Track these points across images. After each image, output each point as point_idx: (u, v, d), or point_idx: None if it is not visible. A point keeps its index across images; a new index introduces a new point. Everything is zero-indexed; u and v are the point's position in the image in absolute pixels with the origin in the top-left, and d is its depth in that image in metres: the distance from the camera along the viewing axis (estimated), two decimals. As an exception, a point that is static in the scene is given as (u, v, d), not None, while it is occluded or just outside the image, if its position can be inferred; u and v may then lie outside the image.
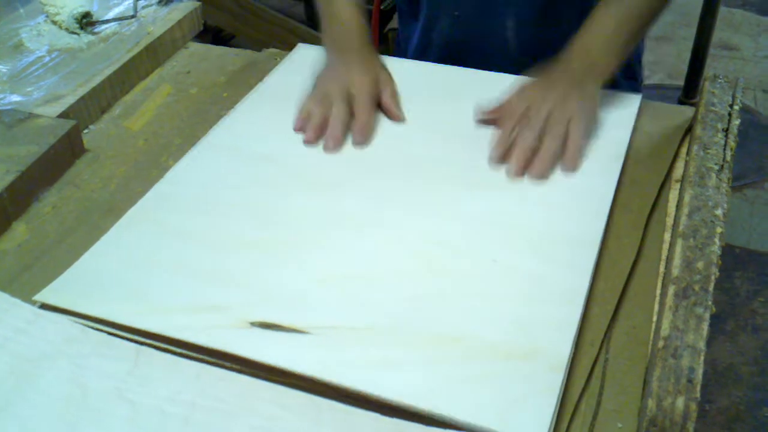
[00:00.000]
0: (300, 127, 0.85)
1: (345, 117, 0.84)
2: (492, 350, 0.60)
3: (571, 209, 0.74)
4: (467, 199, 0.76)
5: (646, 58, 1.12)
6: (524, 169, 0.78)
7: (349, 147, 0.84)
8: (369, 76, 0.88)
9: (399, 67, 0.94)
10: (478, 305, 0.64)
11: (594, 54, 0.84)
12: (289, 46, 1.04)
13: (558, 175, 0.78)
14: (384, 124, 0.87)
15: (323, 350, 0.60)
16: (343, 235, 0.72)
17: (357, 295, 0.65)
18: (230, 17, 1.52)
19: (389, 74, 0.91)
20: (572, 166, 0.78)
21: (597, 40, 0.85)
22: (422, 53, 1.06)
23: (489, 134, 0.83)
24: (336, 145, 0.83)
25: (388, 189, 0.77)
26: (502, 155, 0.79)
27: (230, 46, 1.14)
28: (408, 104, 0.90)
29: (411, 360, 0.59)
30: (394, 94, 0.89)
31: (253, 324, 0.62)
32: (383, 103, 0.88)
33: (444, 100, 0.91)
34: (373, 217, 0.74)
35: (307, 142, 0.84)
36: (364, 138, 0.84)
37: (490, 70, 0.95)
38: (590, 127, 0.82)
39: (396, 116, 0.87)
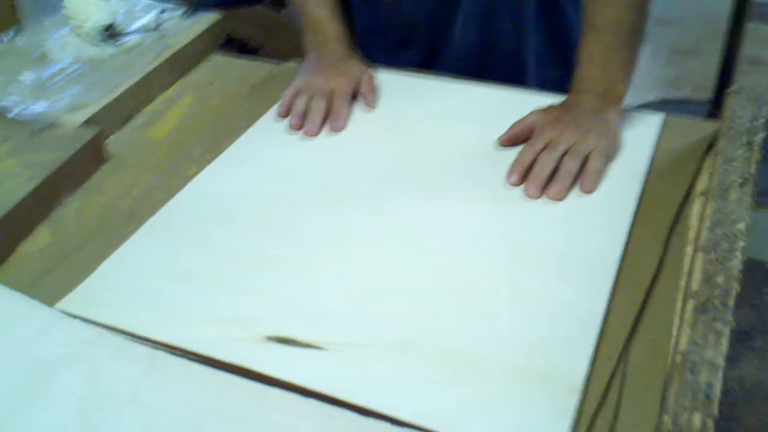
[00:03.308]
0: (283, 114, 0.92)
1: (323, 108, 0.91)
2: (507, 371, 0.59)
3: (590, 228, 0.74)
4: (484, 217, 0.76)
5: (671, 72, 1.12)
6: (541, 191, 0.78)
7: (369, 164, 0.84)
8: (345, 75, 0.95)
9: (408, 83, 0.96)
10: (494, 324, 0.63)
11: (602, 83, 0.85)
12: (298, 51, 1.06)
13: (577, 194, 0.78)
14: (402, 140, 0.87)
15: (339, 367, 0.59)
16: (360, 251, 0.72)
17: (373, 311, 0.65)
18: (255, 30, 1.53)
19: (365, 69, 0.97)
20: (590, 189, 0.78)
21: (600, 70, 0.85)
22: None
23: (507, 153, 0.84)
24: (314, 133, 0.89)
25: (406, 205, 0.77)
26: (521, 178, 0.79)
27: (255, 57, 1.14)
28: (422, 121, 0.90)
29: (426, 379, 0.59)
30: (371, 85, 0.95)
31: (269, 338, 0.62)
32: (360, 92, 0.94)
33: (457, 117, 0.91)
34: (391, 234, 0.74)
35: (293, 127, 0.90)
36: (339, 125, 0.90)
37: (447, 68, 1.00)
38: (611, 156, 0.82)
39: (370, 102, 0.94)
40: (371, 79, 0.96)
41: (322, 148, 0.87)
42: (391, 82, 0.98)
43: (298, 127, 0.90)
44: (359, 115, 0.93)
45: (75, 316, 0.61)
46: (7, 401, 0.50)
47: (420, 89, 0.97)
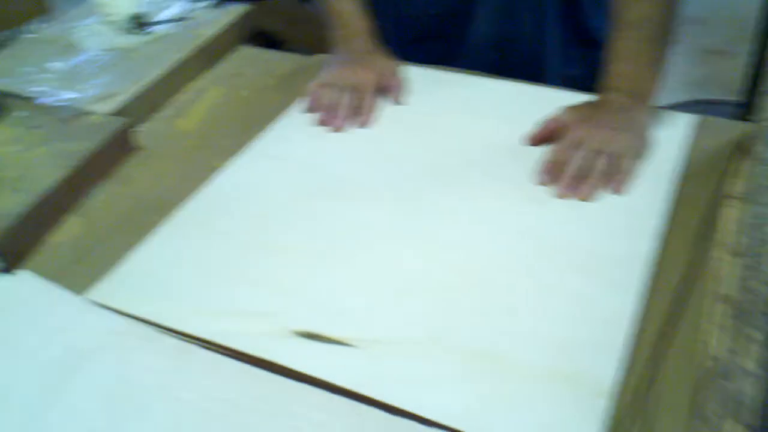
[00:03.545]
0: (311, 109, 0.92)
1: (350, 103, 0.91)
2: (534, 370, 0.59)
3: (619, 228, 0.73)
4: (510, 214, 0.75)
5: (701, 72, 1.11)
6: (571, 190, 0.77)
7: (394, 158, 0.83)
8: (371, 70, 0.94)
9: (431, 77, 0.96)
10: (520, 323, 0.63)
11: (632, 81, 0.84)
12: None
13: (606, 193, 0.77)
14: (426, 134, 0.87)
15: (366, 364, 0.59)
16: (387, 247, 0.71)
17: (399, 307, 0.65)
18: (282, 22, 1.53)
19: (391, 63, 0.97)
20: (620, 189, 0.77)
21: (630, 68, 0.84)
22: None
23: (531, 149, 0.83)
24: (340, 127, 0.89)
25: (431, 201, 0.77)
26: (550, 177, 0.79)
27: (282, 50, 1.14)
28: (446, 115, 0.90)
29: (451, 377, 0.58)
30: (398, 79, 0.95)
31: (296, 333, 0.62)
32: (388, 87, 0.94)
33: (480, 112, 0.91)
34: (417, 229, 0.73)
35: (320, 121, 0.90)
36: (366, 120, 0.90)
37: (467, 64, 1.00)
38: (642, 156, 0.81)
39: (398, 97, 0.94)
40: (398, 73, 0.96)
41: (348, 142, 0.87)
42: (414, 75, 0.97)
43: (326, 121, 0.89)
44: (384, 109, 0.93)
45: (104, 307, 0.61)
46: (38, 390, 0.50)
47: (443, 83, 0.97)
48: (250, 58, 1.08)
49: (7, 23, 1.05)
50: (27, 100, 0.90)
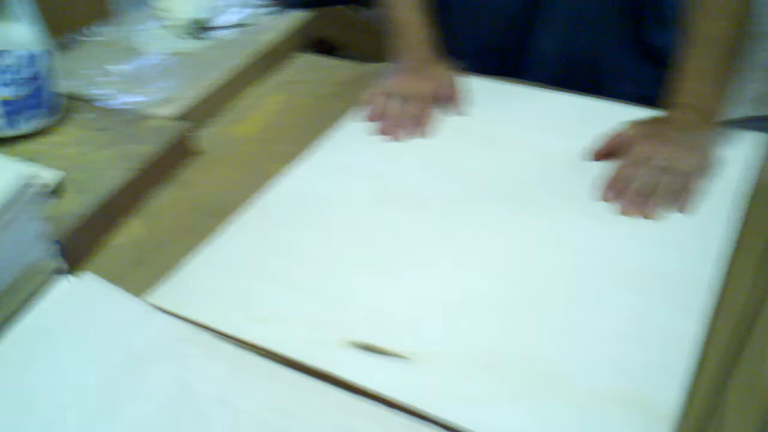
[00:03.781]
0: (371, 117, 0.91)
1: (409, 112, 0.90)
2: (592, 392, 0.57)
3: (683, 248, 0.71)
4: (571, 230, 0.74)
5: (759, 88, 1.09)
6: (635, 208, 0.76)
7: (454, 170, 0.83)
8: (431, 80, 0.94)
9: (492, 89, 0.95)
10: (579, 342, 0.62)
11: (700, 98, 0.82)
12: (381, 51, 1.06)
13: (670, 212, 0.75)
14: (487, 146, 0.86)
15: (424, 379, 0.58)
16: (445, 259, 0.71)
17: (458, 322, 0.64)
18: (337, 28, 1.53)
19: (451, 73, 0.96)
20: (686, 208, 0.76)
21: (699, 85, 0.82)
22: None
23: (594, 164, 0.82)
24: (400, 137, 0.88)
25: (490, 214, 0.76)
26: (614, 194, 0.77)
27: (336, 56, 1.15)
28: (507, 127, 0.89)
29: (509, 396, 0.57)
30: (458, 90, 0.94)
31: (352, 344, 0.61)
32: (447, 97, 0.93)
33: (542, 125, 0.90)
34: (476, 243, 0.72)
35: (380, 131, 0.89)
36: (425, 130, 0.89)
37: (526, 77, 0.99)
38: (708, 175, 0.79)
39: (457, 108, 0.93)
40: (457, 83, 0.95)
41: (407, 152, 0.86)
42: (474, 86, 0.96)
43: (384, 131, 0.89)
44: (442, 119, 0.92)
45: (164, 311, 0.61)
46: (100, 393, 0.50)
47: (504, 95, 0.96)
48: (309, 64, 1.09)
49: (70, 26, 1.06)
50: (91, 102, 0.91)
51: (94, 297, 0.55)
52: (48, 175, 0.56)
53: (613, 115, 0.86)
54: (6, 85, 0.79)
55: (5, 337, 0.51)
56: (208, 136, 0.93)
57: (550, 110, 0.92)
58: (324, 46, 1.44)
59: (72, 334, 0.52)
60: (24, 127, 0.83)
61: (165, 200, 0.82)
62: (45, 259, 0.60)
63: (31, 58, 0.81)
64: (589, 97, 0.94)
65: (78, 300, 0.54)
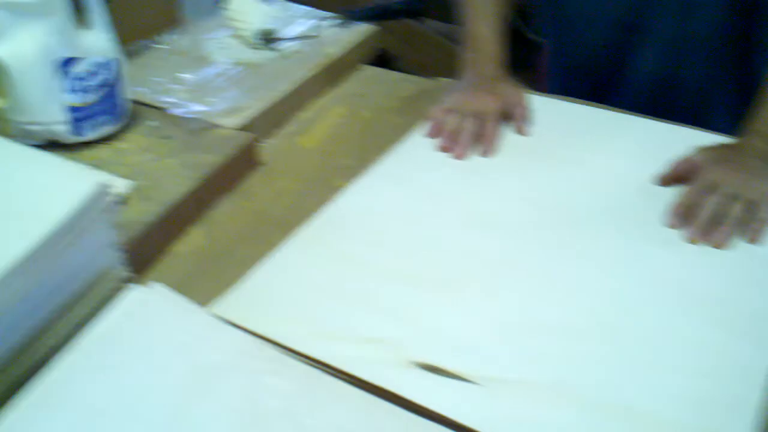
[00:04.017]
0: (434, 134, 0.90)
1: (473, 130, 0.89)
2: (663, 425, 0.55)
3: (754, 279, 0.69)
4: (642, 256, 0.72)
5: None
6: (704, 236, 0.73)
7: (519, 190, 0.81)
8: (498, 97, 0.92)
9: (564, 110, 0.94)
10: (649, 373, 0.60)
11: None
12: (450, 71, 1.05)
13: (741, 242, 0.73)
14: (554, 168, 0.85)
15: (489, 403, 0.57)
16: (513, 282, 0.69)
17: (524, 346, 0.63)
18: (394, 39, 1.53)
19: (519, 92, 0.94)
20: (757, 239, 0.73)
21: None
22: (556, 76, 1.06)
23: (665, 190, 0.80)
24: (463, 155, 0.87)
25: (557, 237, 0.75)
26: (682, 220, 0.75)
27: (391, 68, 1.14)
28: (575, 150, 0.87)
29: (576, 425, 0.56)
30: (524, 110, 0.93)
31: (415, 364, 0.60)
32: (513, 116, 0.92)
33: (611, 149, 0.88)
34: (542, 266, 0.71)
35: (443, 148, 0.88)
36: (490, 149, 0.88)
37: (619, 103, 0.95)
38: None
39: (521, 128, 0.91)
40: (524, 102, 0.93)
41: (472, 170, 0.85)
42: (547, 107, 0.95)
43: (448, 148, 0.88)
44: (509, 138, 0.91)
45: (231, 324, 0.61)
46: (168, 406, 0.50)
47: (576, 117, 0.94)
48: (372, 78, 1.09)
49: (139, 33, 1.08)
50: (158, 109, 0.92)
51: (164, 308, 0.55)
52: (120, 184, 0.56)
53: (685, 140, 0.84)
54: (78, 91, 0.80)
55: (75, 345, 0.51)
56: (271, 147, 0.93)
57: (620, 133, 0.90)
58: (381, 58, 1.43)
59: (142, 344, 0.52)
60: (92, 134, 0.84)
61: (228, 210, 0.83)
62: (115, 267, 0.60)
63: (104, 65, 0.82)
64: (659, 121, 0.92)
65: (148, 310, 0.54)
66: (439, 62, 1.71)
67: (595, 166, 0.85)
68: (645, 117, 0.93)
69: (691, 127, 0.90)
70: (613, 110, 0.95)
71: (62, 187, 0.56)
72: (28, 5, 0.76)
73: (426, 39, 1.86)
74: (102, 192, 0.56)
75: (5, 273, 0.48)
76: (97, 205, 0.55)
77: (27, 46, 0.77)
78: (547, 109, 0.94)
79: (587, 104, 0.97)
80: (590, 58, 1.02)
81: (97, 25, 0.82)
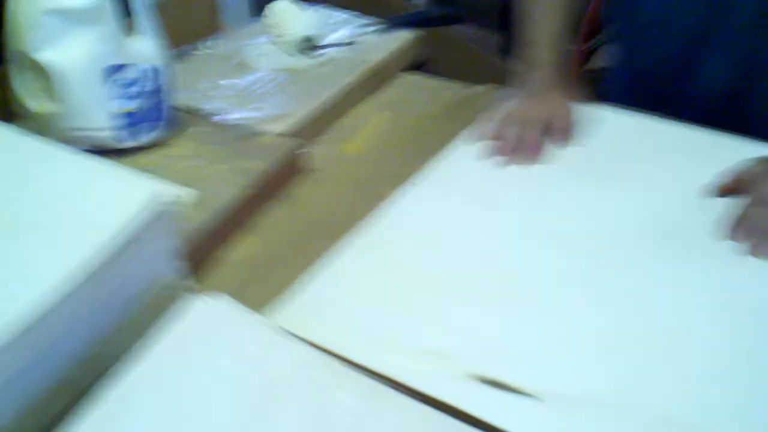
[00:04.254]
0: (482, 142, 0.89)
1: (521, 139, 0.88)
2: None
3: None
4: (697, 269, 0.70)
5: None
6: (763, 250, 0.72)
7: (572, 201, 0.80)
8: (546, 108, 0.91)
9: (619, 122, 0.92)
10: (716, 394, 0.58)
11: None
12: (481, 76, 1.04)
13: None
14: (609, 183, 0.83)
15: (551, 419, 0.56)
16: (572, 294, 0.68)
17: (586, 361, 0.61)
18: (438, 48, 1.53)
19: (566, 103, 0.93)
20: None
21: None
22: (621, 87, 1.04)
23: (720, 201, 0.78)
24: (515, 162, 0.86)
25: (616, 249, 0.73)
26: (742, 233, 0.74)
27: (424, 71, 1.13)
28: (627, 161, 0.86)
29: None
30: (566, 122, 0.91)
31: (474, 377, 0.59)
32: (559, 128, 0.90)
33: (668, 159, 0.86)
34: (603, 279, 0.70)
35: (490, 156, 0.87)
36: (535, 157, 0.87)
37: (685, 114, 0.93)
38: None
39: (559, 141, 0.89)
40: (573, 113, 0.92)
41: (523, 181, 0.84)
42: (599, 116, 0.93)
43: (496, 155, 0.87)
44: (563, 149, 0.89)
45: (293, 335, 0.60)
46: (235, 420, 0.49)
47: (635, 129, 0.91)
48: (413, 84, 1.08)
49: (181, 40, 1.08)
50: (204, 116, 0.92)
51: (229, 318, 0.55)
52: (182, 193, 0.55)
53: (741, 152, 0.82)
54: (130, 97, 0.80)
55: (140, 357, 0.50)
56: (316, 154, 0.92)
57: (681, 146, 0.88)
58: (412, 64, 1.43)
59: (207, 356, 0.51)
60: (140, 140, 0.83)
61: (277, 217, 0.82)
62: (176, 277, 0.60)
63: (152, 72, 0.82)
64: (715, 132, 0.90)
65: (213, 321, 0.54)
66: (469, 67, 1.71)
67: (651, 178, 0.83)
68: (708, 130, 0.91)
69: (754, 140, 0.88)
70: (675, 122, 0.93)
71: (121, 195, 0.56)
72: (79, 12, 0.76)
73: (456, 45, 1.85)
74: (163, 200, 0.55)
75: (73, 284, 0.47)
76: (158, 214, 0.54)
77: (77, 52, 0.77)
78: (606, 120, 0.93)
79: (648, 115, 0.95)
80: (659, 65, 1.00)
81: (146, 31, 0.82)
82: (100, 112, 0.79)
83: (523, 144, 0.87)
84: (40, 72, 0.77)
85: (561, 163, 0.87)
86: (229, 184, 0.80)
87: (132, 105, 0.81)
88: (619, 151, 0.88)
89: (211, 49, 1.08)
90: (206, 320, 0.53)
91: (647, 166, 0.85)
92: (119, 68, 0.79)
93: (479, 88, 1.05)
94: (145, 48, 0.81)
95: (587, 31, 1.70)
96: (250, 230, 0.80)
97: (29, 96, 0.80)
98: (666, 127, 0.92)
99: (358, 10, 1.17)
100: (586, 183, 0.83)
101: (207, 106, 0.94)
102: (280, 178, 0.85)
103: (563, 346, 0.63)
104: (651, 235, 0.75)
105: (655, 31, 0.98)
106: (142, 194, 0.56)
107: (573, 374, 0.60)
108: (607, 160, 0.87)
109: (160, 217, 0.55)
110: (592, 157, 0.87)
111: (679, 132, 0.91)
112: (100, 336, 0.51)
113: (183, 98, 0.93)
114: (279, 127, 0.90)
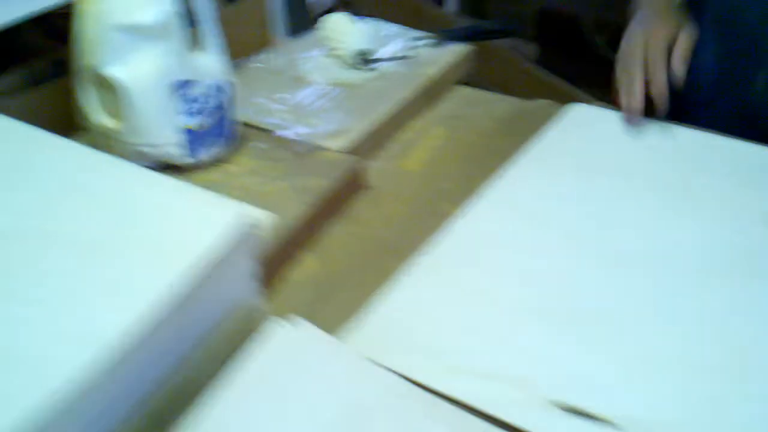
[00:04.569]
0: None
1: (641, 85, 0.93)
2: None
3: None
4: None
5: None
6: None
7: (641, 222, 0.79)
8: (664, 29, 0.94)
9: (687, 137, 0.91)
10: None
11: None
12: (519, 85, 1.04)
13: None
14: (682, 203, 0.81)
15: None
16: (637, 317, 0.67)
17: (663, 387, 0.61)
18: (487, 62, 1.52)
19: (681, 25, 0.95)
20: None
21: None
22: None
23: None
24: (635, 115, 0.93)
25: (685, 272, 0.72)
26: None
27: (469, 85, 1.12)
28: (704, 179, 0.85)
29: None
30: (687, 48, 0.93)
31: (554, 404, 0.58)
32: (672, 55, 0.93)
33: (748, 182, 0.85)
34: (670, 302, 0.69)
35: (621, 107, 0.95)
36: (663, 100, 0.92)
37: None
38: None
39: (677, 67, 0.93)
40: (688, 39, 0.94)
41: (587, 199, 0.83)
42: (671, 133, 0.92)
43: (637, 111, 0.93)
44: (632, 167, 0.88)
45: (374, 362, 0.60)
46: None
47: (707, 147, 0.91)
48: (468, 98, 1.07)
49: (234, 53, 1.07)
50: (263, 131, 0.91)
51: (311, 345, 0.54)
52: (261, 216, 0.55)
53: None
54: (193, 114, 0.80)
55: (227, 385, 0.50)
56: (373, 170, 0.92)
57: (751, 164, 0.87)
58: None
59: (290, 383, 0.51)
60: (205, 156, 0.83)
61: (338, 235, 0.81)
62: (257, 301, 0.59)
63: (218, 88, 0.82)
64: None
65: (296, 347, 0.53)
66: (506, 76, 1.70)
67: (723, 199, 0.82)
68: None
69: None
70: (747, 142, 0.91)
71: (203, 216, 0.56)
72: (147, 28, 0.76)
73: (492, 53, 1.84)
74: (243, 222, 0.54)
75: (163, 310, 0.47)
76: (242, 235, 0.54)
77: (144, 68, 0.77)
78: (674, 136, 0.91)
79: (713, 133, 0.93)
80: (709, 88, 0.99)
81: (211, 47, 0.82)
82: (165, 128, 0.79)
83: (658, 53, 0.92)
84: (107, 87, 0.77)
85: (628, 179, 0.85)
86: (291, 201, 0.79)
87: (198, 121, 0.80)
88: (687, 169, 0.87)
89: (263, 63, 1.08)
90: (289, 347, 0.53)
91: (723, 184, 0.84)
92: (185, 84, 0.79)
93: (534, 103, 1.04)
94: (211, 64, 0.81)
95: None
96: (313, 249, 0.79)
97: (94, 110, 0.80)
98: (739, 146, 0.90)
99: (400, 23, 1.17)
100: (653, 201, 0.82)
101: (266, 120, 0.93)
102: (341, 195, 0.84)
103: (636, 371, 0.62)
104: (721, 258, 0.74)
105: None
106: (225, 215, 0.55)
107: (649, 400, 0.59)
108: (674, 178, 0.85)
109: (243, 240, 0.54)
110: (659, 175, 0.86)
111: (751, 150, 0.89)
112: (187, 363, 0.50)
113: (242, 113, 0.92)
114: (338, 143, 0.90)
